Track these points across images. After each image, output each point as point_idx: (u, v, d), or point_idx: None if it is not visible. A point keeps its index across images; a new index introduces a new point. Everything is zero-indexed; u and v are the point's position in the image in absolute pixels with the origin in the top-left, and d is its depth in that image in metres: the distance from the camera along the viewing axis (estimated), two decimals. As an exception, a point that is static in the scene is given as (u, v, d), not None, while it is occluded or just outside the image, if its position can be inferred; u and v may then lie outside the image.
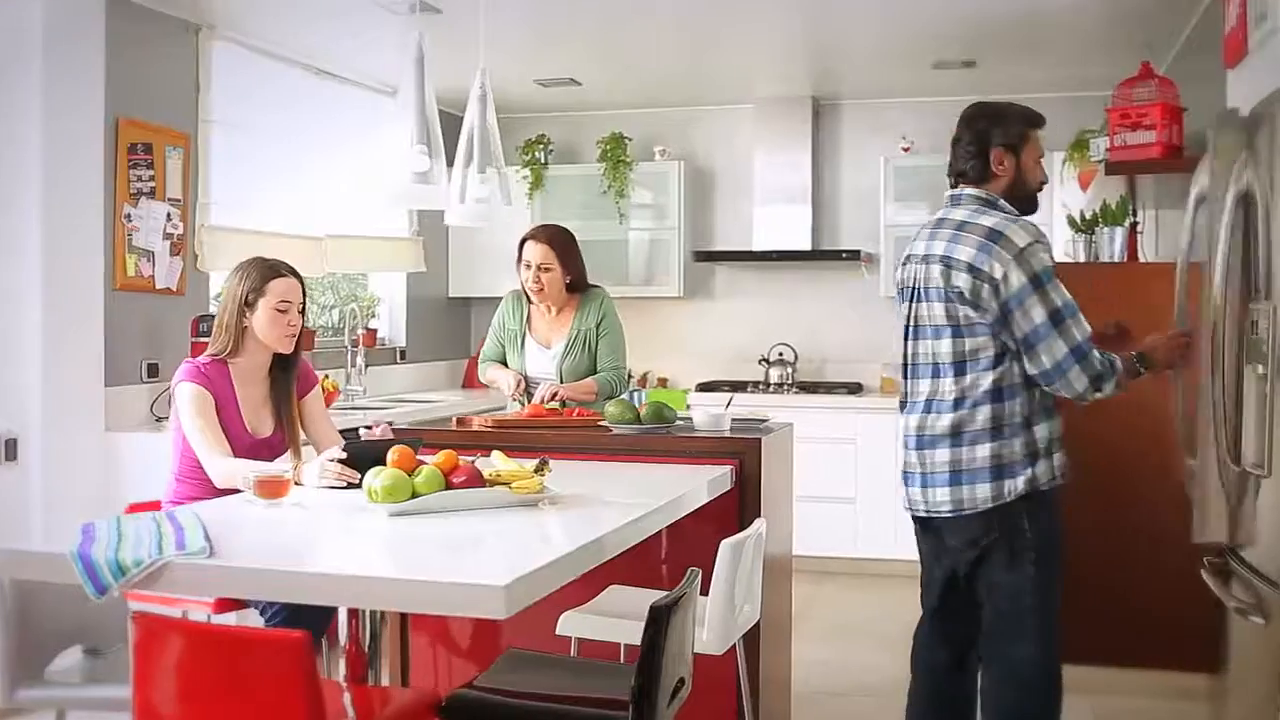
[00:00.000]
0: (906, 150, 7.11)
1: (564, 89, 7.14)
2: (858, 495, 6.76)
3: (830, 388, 7.19)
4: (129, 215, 5.14)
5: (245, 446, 3.59)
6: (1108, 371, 3.04)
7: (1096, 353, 3.03)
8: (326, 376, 5.88)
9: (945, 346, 3.12)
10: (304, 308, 3.70)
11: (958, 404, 3.11)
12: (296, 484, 3.21)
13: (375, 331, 7.13)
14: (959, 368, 3.10)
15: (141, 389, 5.25)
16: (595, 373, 4.55)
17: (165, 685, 2.16)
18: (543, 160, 7.61)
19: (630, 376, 4.66)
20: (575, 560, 2.30)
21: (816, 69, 6.80)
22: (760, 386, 7.24)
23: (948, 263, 3.11)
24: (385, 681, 3.62)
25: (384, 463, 2.90)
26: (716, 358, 7.61)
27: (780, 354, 7.37)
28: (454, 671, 3.81)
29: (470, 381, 7.62)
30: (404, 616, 3.85)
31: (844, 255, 7.08)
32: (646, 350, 7.56)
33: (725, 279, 7.69)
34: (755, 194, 7.41)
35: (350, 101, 6.68)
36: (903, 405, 3.32)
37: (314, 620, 3.05)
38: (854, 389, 7.15)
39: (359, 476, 2.95)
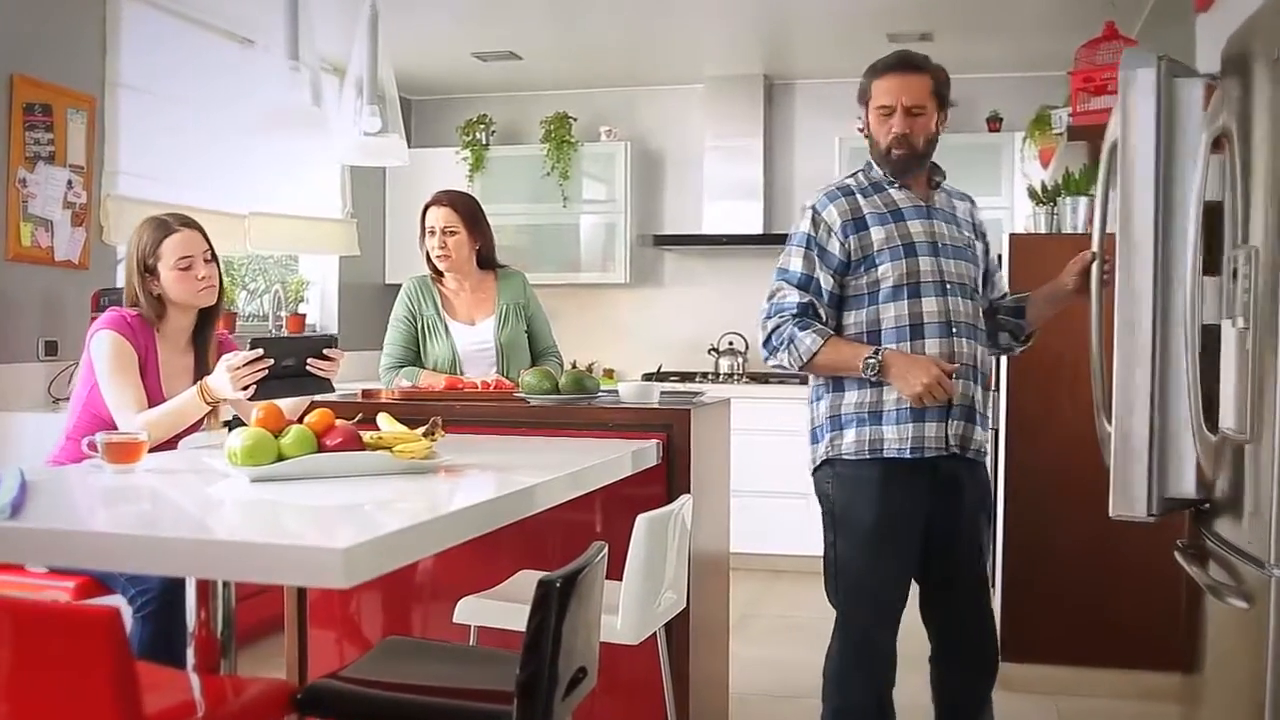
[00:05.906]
0: (861, 131, 6.79)
1: (504, 64, 6.80)
2: (810, 490, 6.43)
3: (782, 378, 6.87)
4: (24, 180, 4.77)
5: None
6: (781, 344, 3.03)
7: (792, 327, 2.94)
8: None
9: None
10: (212, 254, 3.40)
11: None
12: (209, 403, 3.12)
13: (304, 316, 6.75)
14: None
15: (38, 367, 4.88)
16: (531, 345, 4.29)
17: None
18: (484, 141, 7.28)
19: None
20: (446, 526, 1.94)
21: (768, 45, 6.50)
22: (710, 377, 6.94)
23: None
24: (283, 675, 3.28)
25: (304, 362, 3.07)
26: (665, 347, 7.28)
27: (730, 343, 7.06)
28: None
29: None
30: (301, 607, 3.52)
31: (797, 239, 6.76)
32: (592, 339, 7.24)
33: (674, 265, 7.37)
34: (705, 177, 7.10)
35: (276, 75, 6.28)
36: None
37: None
38: (806, 380, 6.82)
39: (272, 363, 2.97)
